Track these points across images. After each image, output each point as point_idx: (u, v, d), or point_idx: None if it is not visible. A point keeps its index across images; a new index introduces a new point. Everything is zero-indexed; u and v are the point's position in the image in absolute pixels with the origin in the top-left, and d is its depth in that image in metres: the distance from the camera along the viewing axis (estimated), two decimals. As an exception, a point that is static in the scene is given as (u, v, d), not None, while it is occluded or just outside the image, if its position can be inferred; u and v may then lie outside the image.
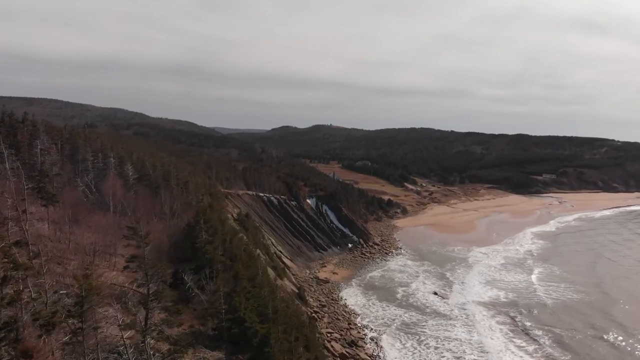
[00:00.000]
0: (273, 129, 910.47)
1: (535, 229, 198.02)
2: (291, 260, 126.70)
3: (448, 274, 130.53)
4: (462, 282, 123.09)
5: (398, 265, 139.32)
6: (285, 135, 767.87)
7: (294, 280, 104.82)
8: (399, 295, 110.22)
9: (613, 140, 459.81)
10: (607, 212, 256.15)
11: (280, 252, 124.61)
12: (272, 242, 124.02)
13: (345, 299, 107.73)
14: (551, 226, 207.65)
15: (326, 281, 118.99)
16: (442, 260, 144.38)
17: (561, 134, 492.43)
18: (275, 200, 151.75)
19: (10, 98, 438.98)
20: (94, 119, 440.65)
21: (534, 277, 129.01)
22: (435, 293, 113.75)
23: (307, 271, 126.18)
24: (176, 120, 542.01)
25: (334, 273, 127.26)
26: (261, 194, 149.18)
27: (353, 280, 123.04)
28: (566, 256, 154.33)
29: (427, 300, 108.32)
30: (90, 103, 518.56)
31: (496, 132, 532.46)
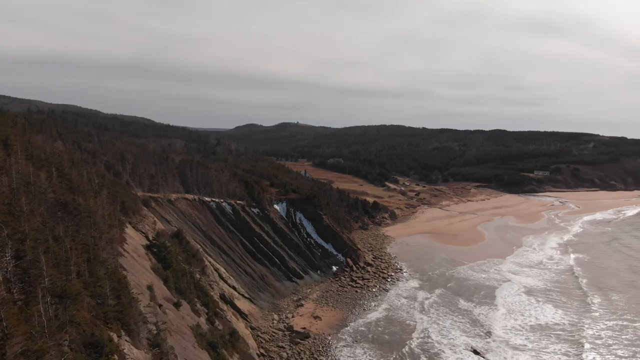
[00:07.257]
0: (237, 127, 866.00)
1: (555, 237, 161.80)
2: (251, 300, 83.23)
3: (477, 312, 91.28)
4: (501, 327, 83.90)
5: (404, 297, 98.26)
6: (250, 134, 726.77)
7: (252, 350, 61.17)
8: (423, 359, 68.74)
9: (598, 135, 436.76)
10: (625, 213, 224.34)
11: (233, 288, 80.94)
12: (219, 275, 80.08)
13: (339, 373, 65.58)
14: (570, 232, 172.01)
15: (306, 335, 76.34)
16: (461, 288, 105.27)
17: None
18: (228, 208, 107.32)
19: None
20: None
21: (596, 314, 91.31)
22: (476, 352, 73.34)
23: (276, 317, 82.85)
24: (131, 117, 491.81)
25: (315, 317, 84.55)
26: (207, 199, 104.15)
27: (346, 328, 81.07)
28: (615, 274, 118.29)
29: (467, 367, 67.71)
30: (41, 100, 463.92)
31: (470, 129, 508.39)
